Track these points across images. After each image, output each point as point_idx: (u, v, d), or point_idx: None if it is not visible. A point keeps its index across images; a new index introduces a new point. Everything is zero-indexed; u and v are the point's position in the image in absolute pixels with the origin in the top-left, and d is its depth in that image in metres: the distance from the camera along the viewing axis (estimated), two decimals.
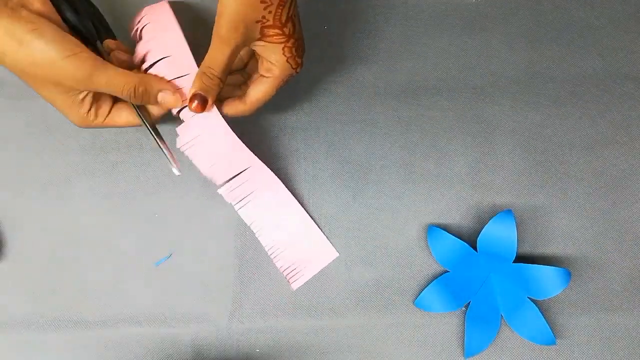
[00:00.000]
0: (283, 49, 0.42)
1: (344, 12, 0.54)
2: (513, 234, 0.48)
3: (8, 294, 0.50)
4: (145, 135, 0.51)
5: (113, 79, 0.41)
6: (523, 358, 0.49)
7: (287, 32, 0.42)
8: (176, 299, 0.50)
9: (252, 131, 0.52)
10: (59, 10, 0.42)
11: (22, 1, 0.39)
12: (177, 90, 0.43)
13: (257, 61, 0.46)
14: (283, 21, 0.41)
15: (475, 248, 0.49)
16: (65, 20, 0.42)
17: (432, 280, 0.50)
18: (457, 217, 0.51)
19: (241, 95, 0.46)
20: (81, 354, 0.49)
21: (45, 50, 0.38)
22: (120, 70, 0.41)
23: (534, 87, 0.53)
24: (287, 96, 0.52)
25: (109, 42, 0.46)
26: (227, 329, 0.49)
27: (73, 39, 0.39)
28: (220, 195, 0.48)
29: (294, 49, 0.43)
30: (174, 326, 0.49)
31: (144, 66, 0.44)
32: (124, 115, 0.45)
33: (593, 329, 0.50)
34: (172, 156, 0.45)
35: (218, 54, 0.42)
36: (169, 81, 0.43)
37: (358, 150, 0.52)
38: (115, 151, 0.51)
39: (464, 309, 0.49)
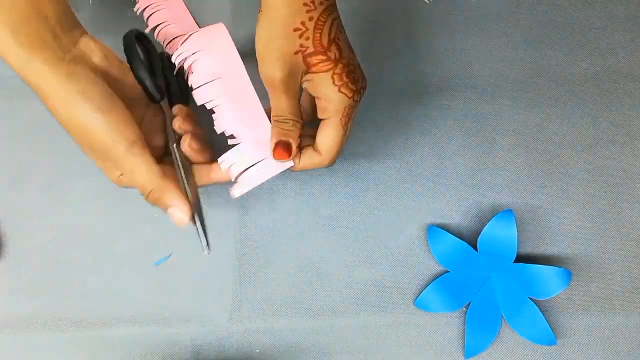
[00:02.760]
0: (332, 77, 0.38)
1: (344, 12, 0.54)
2: (513, 234, 0.48)
3: (8, 294, 0.50)
4: None
5: (136, 171, 0.39)
6: (523, 358, 0.49)
7: (332, 57, 0.38)
8: (176, 299, 0.50)
9: None
10: (133, 68, 0.41)
11: (84, 54, 0.38)
12: (187, 207, 0.40)
13: None
14: (325, 45, 0.38)
15: (475, 248, 0.49)
16: (137, 77, 0.42)
17: (432, 280, 0.50)
18: (457, 217, 0.51)
19: (314, 144, 0.42)
20: (81, 354, 0.49)
21: (88, 115, 0.37)
22: (150, 167, 0.39)
23: (534, 87, 0.53)
24: None
25: (178, 108, 0.44)
26: (227, 329, 0.49)
27: (120, 106, 0.38)
28: (220, 196, 0.48)
29: (344, 75, 0.39)
30: (174, 326, 0.49)
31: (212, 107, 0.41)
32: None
33: (593, 329, 0.50)
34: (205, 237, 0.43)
35: (277, 100, 0.39)
36: (183, 196, 0.41)
37: (358, 150, 0.52)
38: None
39: (464, 309, 0.49)
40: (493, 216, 0.49)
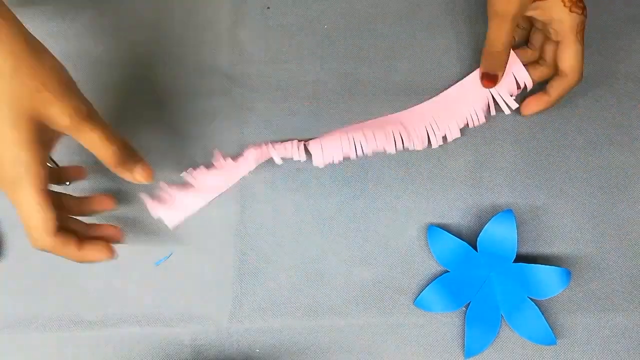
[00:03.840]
0: (562, 0, 0.43)
1: (344, 12, 0.54)
2: (513, 234, 0.48)
3: (8, 294, 0.50)
4: (145, 136, 0.51)
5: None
6: (523, 358, 0.49)
7: None
8: (176, 298, 0.50)
9: (246, 134, 0.52)
10: None
11: None
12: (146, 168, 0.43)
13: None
14: None
15: (475, 248, 0.49)
16: None
17: (432, 280, 0.50)
18: (457, 217, 0.51)
19: (546, 90, 0.48)
20: (81, 354, 0.49)
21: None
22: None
23: (534, 87, 0.53)
24: (286, 96, 0.52)
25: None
26: (227, 329, 0.49)
27: None
28: (220, 195, 0.48)
29: None
30: (174, 326, 0.49)
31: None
32: None
33: (593, 329, 0.50)
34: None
35: (498, 31, 0.44)
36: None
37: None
38: None
39: (464, 309, 0.49)
40: (493, 216, 0.49)
